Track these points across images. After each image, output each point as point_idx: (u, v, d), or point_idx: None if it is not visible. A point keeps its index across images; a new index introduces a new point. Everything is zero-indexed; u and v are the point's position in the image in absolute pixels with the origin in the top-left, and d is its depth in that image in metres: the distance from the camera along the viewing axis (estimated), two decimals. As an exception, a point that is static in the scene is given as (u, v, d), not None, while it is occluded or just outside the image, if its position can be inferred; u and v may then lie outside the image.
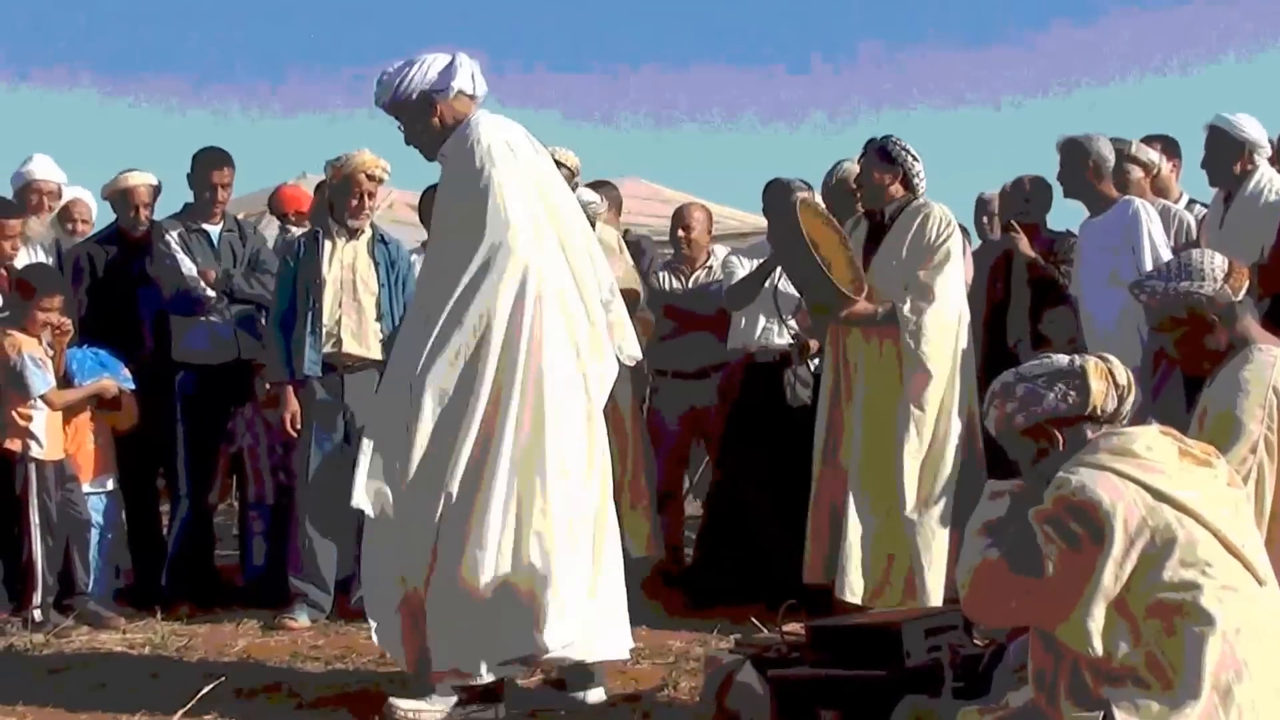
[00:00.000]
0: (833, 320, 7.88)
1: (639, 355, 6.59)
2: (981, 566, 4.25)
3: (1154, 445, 4.26)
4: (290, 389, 8.32)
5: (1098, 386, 4.36)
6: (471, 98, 6.20)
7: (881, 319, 7.75)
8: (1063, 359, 4.46)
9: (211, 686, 6.28)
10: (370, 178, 8.32)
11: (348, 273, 8.33)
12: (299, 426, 8.31)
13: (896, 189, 7.98)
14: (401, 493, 5.89)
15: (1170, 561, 4.05)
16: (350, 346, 8.25)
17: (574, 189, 8.77)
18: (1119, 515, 4.04)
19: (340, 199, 8.37)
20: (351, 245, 8.40)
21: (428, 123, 6.19)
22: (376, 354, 8.29)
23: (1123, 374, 4.43)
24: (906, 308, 7.68)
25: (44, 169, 9.51)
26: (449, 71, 6.13)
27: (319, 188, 9.51)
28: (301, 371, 8.22)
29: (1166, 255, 7.60)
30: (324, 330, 8.23)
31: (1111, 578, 4.04)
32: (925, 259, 7.79)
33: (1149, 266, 7.46)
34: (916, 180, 7.97)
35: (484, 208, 5.92)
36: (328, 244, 8.34)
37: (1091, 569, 4.05)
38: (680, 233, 9.54)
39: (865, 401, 7.83)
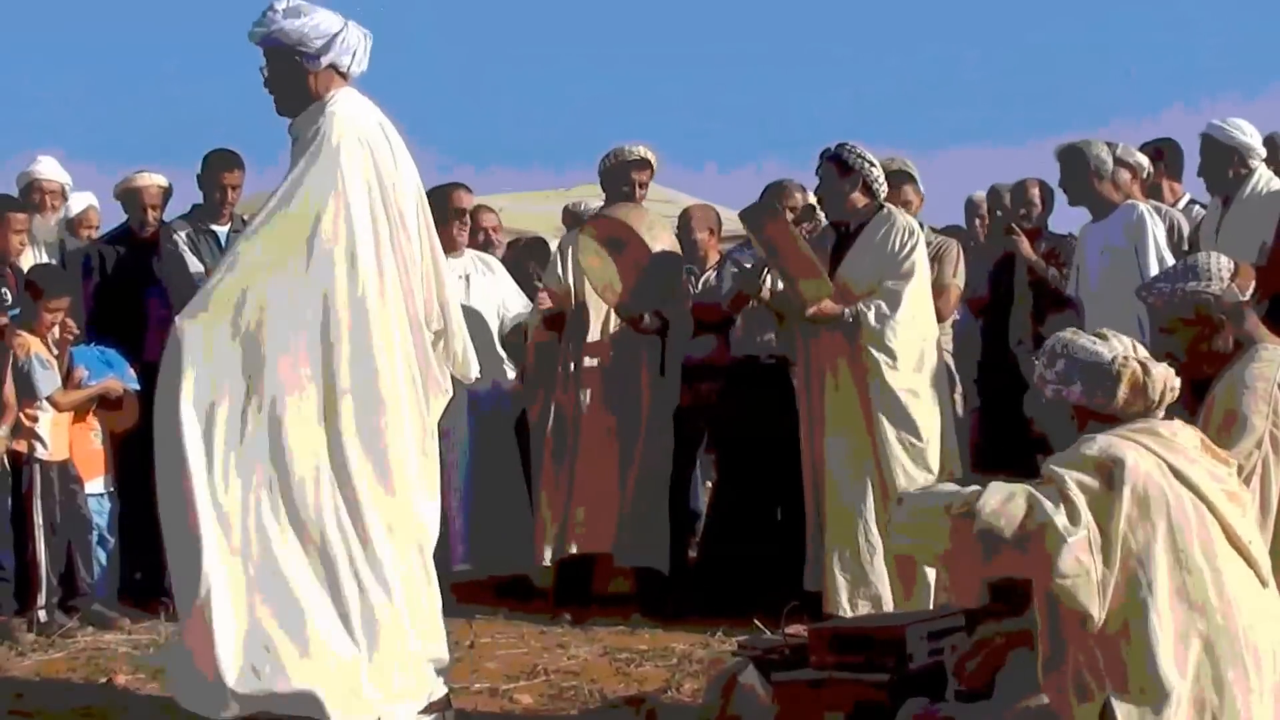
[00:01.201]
0: (800, 315, 7.91)
1: (473, 375, 6.28)
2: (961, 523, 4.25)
3: (1179, 431, 4.32)
4: None
5: (1123, 393, 4.36)
6: (344, 75, 5.88)
7: (848, 321, 7.77)
8: (1110, 350, 4.42)
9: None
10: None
11: None
12: None
13: (858, 197, 7.98)
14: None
15: (1177, 540, 4.08)
16: None
17: (645, 185, 8.78)
18: (1135, 473, 4.11)
19: None
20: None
21: (290, 82, 5.85)
22: None
23: (1158, 387, 4.40)
24: (872, 314, 7.72)
25: (49, 168, 9.51)
26: (330, 44, 5.78)
27: None
28: None
29: (1171, 259, 7.60)
30: None
31: (1123, 526, 4.07)
32: (891, 269, 7.82)
33: (1154, 270, 7.46)
34: (876, 186, 7.98)
35: (319, 211, 5.61)
36: None
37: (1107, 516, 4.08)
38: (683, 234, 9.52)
39: (831, 416, 7.88)
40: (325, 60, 5.80)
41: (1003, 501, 4.14)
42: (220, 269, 5.79)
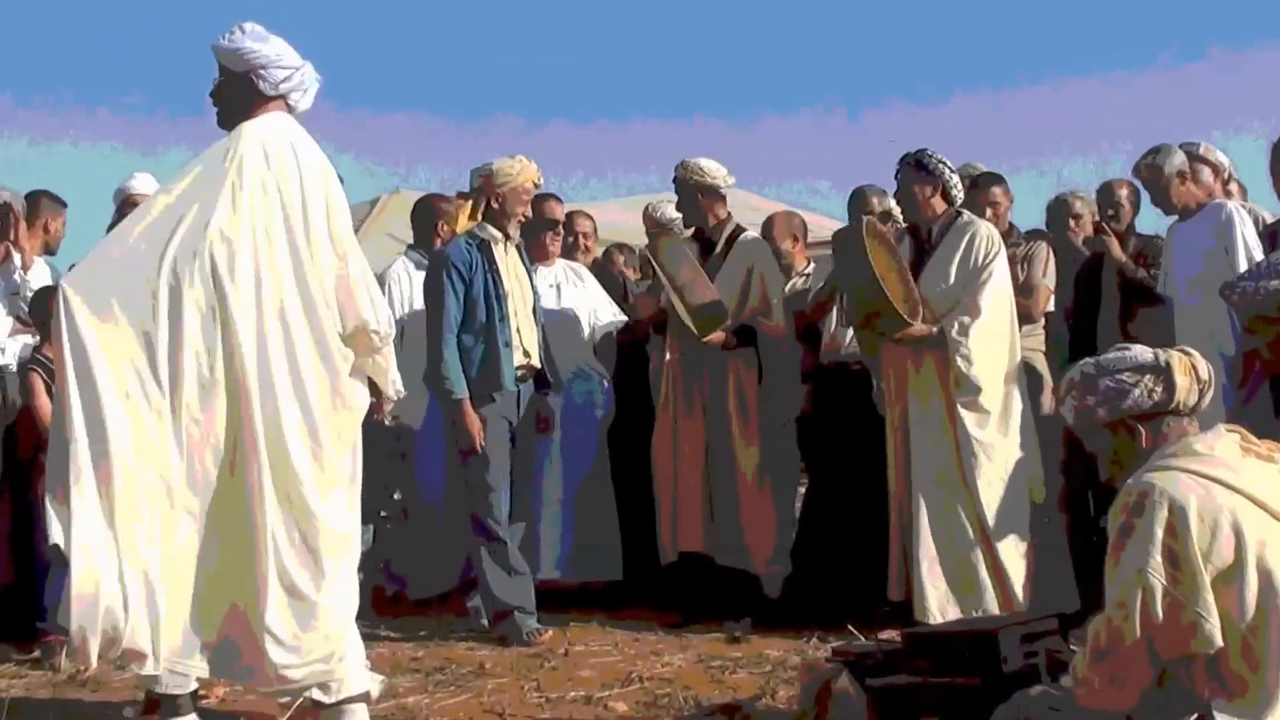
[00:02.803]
0: (887, 340, 7.92)
1: (401, 390, 6.30)
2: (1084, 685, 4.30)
3: (1216, 444, 4.29)
4: (469, 404, 8.10)
5: (1182, 382, 4.38)
6: (290, 108, 6.04)
7: (935, 339, 7.81)
8: (1146, 352, 4.46)
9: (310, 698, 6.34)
10: (537, 186, 8.37)
11: (515, 283, 8.29)
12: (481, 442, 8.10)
13: (937, 202, 8.02)
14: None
15: (1248, 548, 4.06)
16: (534, 358, 8.33)
17: (712, 200, 8.80)
18: (1192, 507, 4.07)
19: (510, 207, 8.26)
20: (512, 255, 8.37)
21: (240, 101, 5.97)
22: (539, 363, 8.40)
23: (1204, 368, 4.46)
24: (954, 330, 7.76)
25: (143, 183, 9.63)
26: (290, 78, 5.98)
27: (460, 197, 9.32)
28: (503, 385, 8.12)
29: (1260, 256, 7.52)
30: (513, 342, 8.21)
31: (1200, 563, 4.05)
32: (972, 278, 7.86)
33: (1243, 268, 7.40)
34: (954, 192, 8.03)
35: (210, 216, 5.66)
36: (497, 252, 8.27)
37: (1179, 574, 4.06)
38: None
39: (915, 423, 7.91)
40: (279, 90, 5.97)
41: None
42: (111, 245, 5.88)
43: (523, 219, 8.39)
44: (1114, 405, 4.42)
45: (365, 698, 5.93)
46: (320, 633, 5.71)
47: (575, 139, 31.41)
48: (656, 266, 8.50)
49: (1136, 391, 4.39)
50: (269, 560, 5.62)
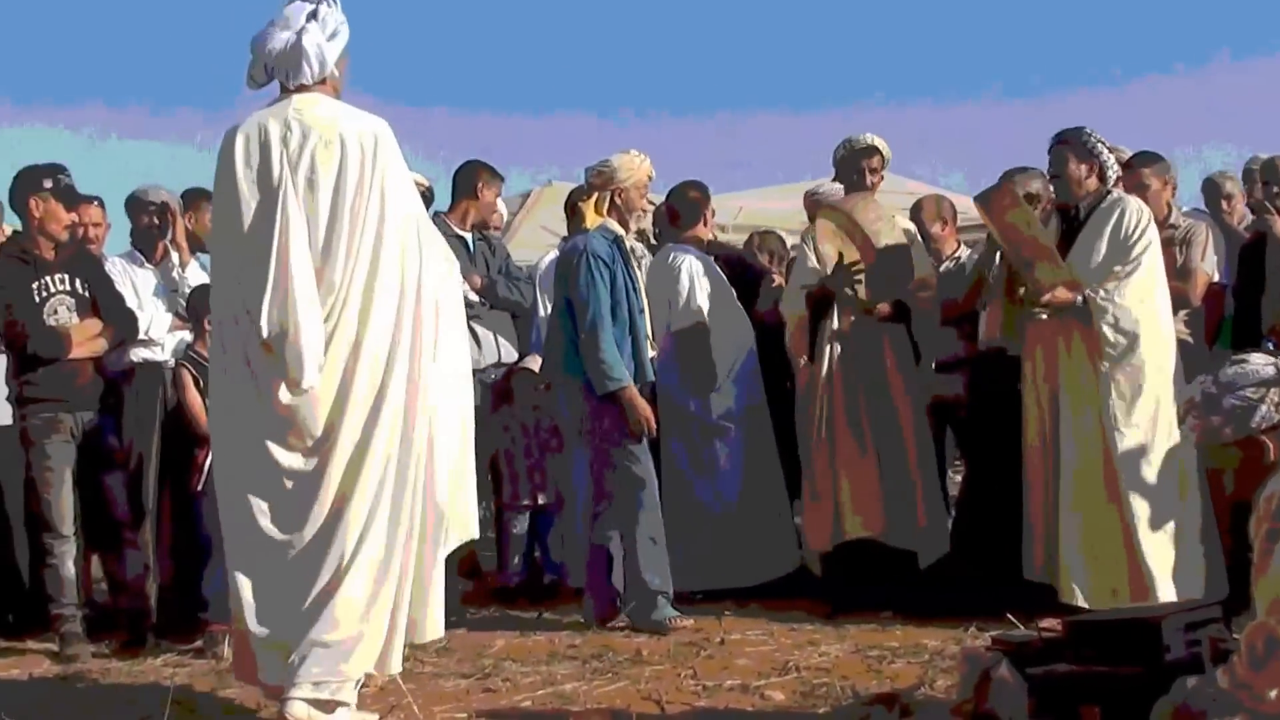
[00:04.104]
0: (1031, 305, 7.83)
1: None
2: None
3: None
4: (634, 389, 8.08)
5: None
6: (286, 88, 6.05)
7: (1080, 306, 7.67)
8: (1267, 365, 4.42)
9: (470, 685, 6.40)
10: (651, 179, 8.40)
11: (639, 276, 8.36)
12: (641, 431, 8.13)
13: (1093, 182, 7.90)
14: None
15: None
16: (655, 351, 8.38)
17: (876, 171, 8.78)
18: None
19: (633, 202, 8.33)
20: (632, 250, 8.40)
21: None
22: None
23: None
24: (1100, 296, 7.62)
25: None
26: (255, 68, 6.06)
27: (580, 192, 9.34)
28: (647, 376, 8.21)
29: None
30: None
31: None
32: (1121, 254, 7.71)
33: None
34: (1111, 172, 7.89)
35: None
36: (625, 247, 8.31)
37: None
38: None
39: (1064, 404, 7.78)
40: (262, 80, 6.07)
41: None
42: None
43: (643, 212, 8.43)
44: (1242, 423, 4.37)
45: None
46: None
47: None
48: (828, 235, 8.47)
49: (1264, 407, 4.36)
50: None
